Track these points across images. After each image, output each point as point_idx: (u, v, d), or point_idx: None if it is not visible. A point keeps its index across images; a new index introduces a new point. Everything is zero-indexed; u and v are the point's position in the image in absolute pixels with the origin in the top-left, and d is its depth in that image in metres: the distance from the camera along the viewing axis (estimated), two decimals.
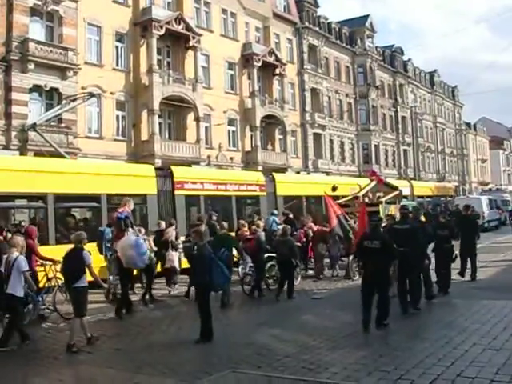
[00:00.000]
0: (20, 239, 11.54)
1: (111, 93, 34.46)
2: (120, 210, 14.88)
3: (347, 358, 8.78)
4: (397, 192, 24.90)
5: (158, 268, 17.23)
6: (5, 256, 11.10)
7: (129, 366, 9.07)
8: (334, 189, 25.57)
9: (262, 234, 17.03)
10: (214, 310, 11.05)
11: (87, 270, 10.77)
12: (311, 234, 20.53)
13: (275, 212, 23.17)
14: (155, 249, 16.65)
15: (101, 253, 16.15)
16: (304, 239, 20.17)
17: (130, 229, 14.44)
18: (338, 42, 61.40)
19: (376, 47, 68.48)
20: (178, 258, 17.52)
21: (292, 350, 9.48)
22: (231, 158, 43.01)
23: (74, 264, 10.61)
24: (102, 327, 11.88)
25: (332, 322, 12.06)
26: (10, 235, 12.97)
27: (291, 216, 23.01)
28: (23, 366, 9.34)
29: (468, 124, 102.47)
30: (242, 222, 19.94)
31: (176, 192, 21.71)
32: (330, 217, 19.55)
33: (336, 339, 10.20)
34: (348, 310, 13.08)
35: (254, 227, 17.47)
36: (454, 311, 12.96)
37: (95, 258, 13.20)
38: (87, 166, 20.77)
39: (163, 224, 18.10)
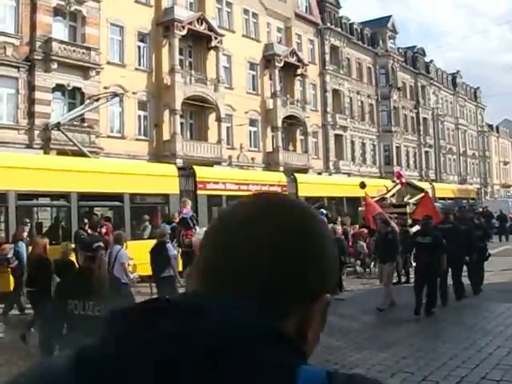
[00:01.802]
0: (124, 235, 13.12)
1: (133, 93, 34.53)
2: (184, 211, 16.94)
3: (371, 359, 8.78)
4: (422, 194, 24.85)
5: None
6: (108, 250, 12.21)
7: None
8: (363, 186, 25.46)
9: None
10: None
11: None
12: (350, 232, 21.84)
13: (323, 211, 23.58)
14: None
15: None
16: (343, 237, 20.54)
17: (197, 227, 16.08)
18: (360, 42, 61.07)
19: (398, 48, 68.10)
20: None
21: (315, 349, 9.45)
22: (252, 159, 42.99)
23: (160, 256, 11.78)
24: None
25: (355, 322, 12.06)
26: (104, 230, 14.53)
27: (330, 215, 24.25)
28: None
29: (490, 126, 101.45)
30: None
31: (198, 192, 21.77)
32: (367, 217, 20.28)
33: (359, 340, 10.20)
34: (371, 312, 13.10)
35: None
36: (477, 314, 12.90)
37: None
38: (110, 165, 20.86)
39: None
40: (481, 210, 36.88)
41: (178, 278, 13.41)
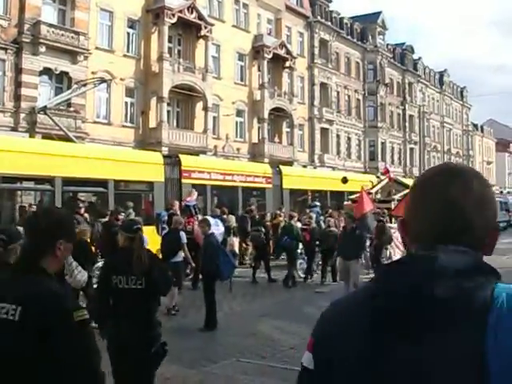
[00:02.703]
0: (140, 221, 13.52)
1: (121, 79, 34.31)
2: (188, 199, 18.05)
3: None
4: (407, 190, 24.88)
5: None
6: None
7: None
8: (345, 181, 25.56)
9: (316, 226, 19.05)
10: (218, 299, 11.10)
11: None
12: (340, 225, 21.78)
13: (317, 203, 24.00)
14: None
15: (158, 234, 17.06)
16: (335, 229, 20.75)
17: (199, 215, 17.02)
18: (349, 37, 61.10)
19: (387, 45, 68.21)
20: (238, 244, 19.10)
21: (296, 341, 9.49)
22: (238, 149, 42.97)
23: (172, 242, 12.66)
24: None
25: None
26: (121, 217, 14.94)
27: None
28: None
29: (475, 125, 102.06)
30: (278, 212, 22.03)
31: (183, 180, 21.69)
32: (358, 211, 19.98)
33: None
34: None
35: (307, 219, 19.25)
36: None
37: (152, 240, 13.98)
38: (96, 151, 20.73)
39: (218, 212, 19.63)
40: None
41: (191, 262, 13.90)
